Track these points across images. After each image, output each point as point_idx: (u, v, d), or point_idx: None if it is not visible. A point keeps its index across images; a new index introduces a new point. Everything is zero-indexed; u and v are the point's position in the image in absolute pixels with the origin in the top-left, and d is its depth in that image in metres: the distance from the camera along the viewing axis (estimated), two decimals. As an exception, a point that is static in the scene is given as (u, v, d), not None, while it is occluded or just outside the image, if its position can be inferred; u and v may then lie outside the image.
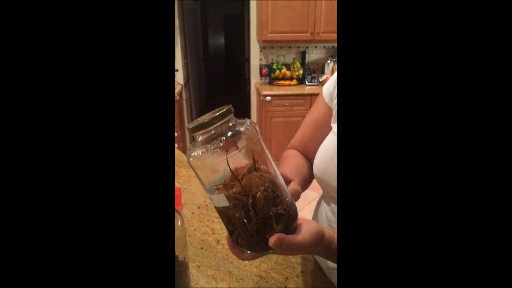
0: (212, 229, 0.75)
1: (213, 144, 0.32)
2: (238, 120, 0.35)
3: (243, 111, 3.37)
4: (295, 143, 0.64)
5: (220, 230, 0.74)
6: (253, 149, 0.34)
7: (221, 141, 0.32)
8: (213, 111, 0.35)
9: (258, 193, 0.33)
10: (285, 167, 0.58)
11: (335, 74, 0.59)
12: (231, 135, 0.33)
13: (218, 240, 0.71)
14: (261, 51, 2.96)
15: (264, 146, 0.36)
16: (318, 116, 0.61)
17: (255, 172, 0.34)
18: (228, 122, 0.33)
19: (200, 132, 0.33)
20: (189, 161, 0.34)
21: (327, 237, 0.37)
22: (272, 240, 0.33)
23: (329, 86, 0.59)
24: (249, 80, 3.21)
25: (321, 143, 0.57)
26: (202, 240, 0.71)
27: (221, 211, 0.36)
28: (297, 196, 0.41)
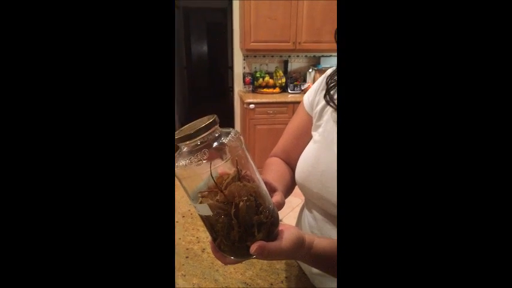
0: (197, 238, 0.75)
1: (198, 156, 0.33)
2: (223, 130, 0.36)
3: (227, 119, 3.38)
4: (277, 150, 0.66)
5: (205, 238, 0.75)
6: (237, 159, 0.36)
7: (206, 153, 0.33)
8: (199, 120, 0.36)
9: (241, 203, 0.34)
10: (268, 175, 0.59)
11: (316, 83, 0.61)
12: (215, 147, 0.34)
13: (203, 249, 0.71)
14: (244, 59, 2.99)
15: (247, 155, 0.37)
16: (299, 125, 0.63)
17: (238, 182, 0.36)
18: (213, 133, 0.34)
19: (185, 143, 0.34)
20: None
21: (307, 243, 0.39)
22: (253, 248, 0.34)
23: (309, 95, 0.61)
24: (232, 87, 3.23)
25: (303, 150, 0.59)
26: (187, 249, 0.71)
27: (205, 219, 0.37)
28: (280, 207, 0.42)
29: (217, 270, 0.64)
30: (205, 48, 6.05)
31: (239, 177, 0.36)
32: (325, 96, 0.55)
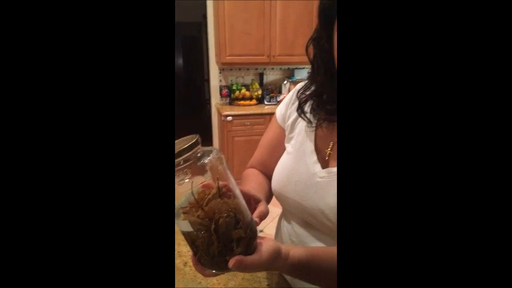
0: (178, 252, 0.76)
1: (180, 176, 0.35)
2: (205, 149, 0.38)
3: (205, 131, 3.38)
4: (254, 162, 0.69)
5: (187, 252, 0.76)
6: (218, 177, 0.38)
7: (187, 173, 0.35)
8: (181, 140, 0.37)
9: (221, 219, 0.36)
10: (248, 185, 0.61)
11: (286, 97, 0.65)
12: (197, 167, 0.36)
13: (185, 263, 0.72)
14: (220, 72, 3.03)
15: (228, 173, 0.39)
16: (273, 137, 0.66)
17: (219, 198, 0.38)
18: (195, 153, 0.36)
19: None
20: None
21: (284, 254, 0.41)
22: (231, 262, 0.36)
23: (281, 109, 0.65)
24: (209, 100, 3.25)
25: (277, 161, 0.62)
26: (169, 263, 0.72)
27: (186, 234, 0.39)
28: (265, 216, 0.44)
29: (199, 282, 0.65)
30: (180, 61, 6.05)
31: (219, 194, 0.38)
32: (297, 110, 0.58)
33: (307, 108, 0.57)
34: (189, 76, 6.02)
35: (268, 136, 0.67)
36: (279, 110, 0.65)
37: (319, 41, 0.50)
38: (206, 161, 0.37)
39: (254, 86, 2.99)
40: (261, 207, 0.44)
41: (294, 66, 3.07)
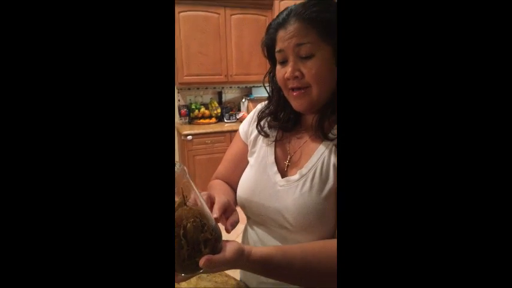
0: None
1: None
2: None
3: (164, 152, 3.30)
4: (218, 174, 0.74)
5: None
6: (183, 187, 0.42)
7: None
8: None
9: (188, 224, 0.40)
10: (213, 192, 0.65)
11: (249, 116, 0.72)
12: None
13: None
14: (178, 92, 3.03)
15: (191, 183, 0.43)
16: (237, 152, 0.72)
17: (185, 206, 0.41)
18: None
19: None
20: None
21: (246, 252, 0.45)
22: (202, 261, 0.39)
23: (244, 126, 0.72)
24: (168, 120, 3.21)
25: (241, 174, 0.67)
26: None
27: None
28: (237, 224, 0.49)
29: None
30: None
31: (185, 202, 0.42)
32: (257, 126, 0.66)
33: (265, 124, 0.65)
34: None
35: (232, 151, 0.72)
36: (242, 127, 0.72)
37: (270, 73, 0.64)
38: None
39: (213, 105, 3.03)
40: (233, 217, 0.49)
41: (252, 85, 3.18)
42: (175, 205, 0.41)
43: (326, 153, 0.56)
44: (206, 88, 3.10)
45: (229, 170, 0.72)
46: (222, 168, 0.73)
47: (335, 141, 0.55)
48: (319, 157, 0.57)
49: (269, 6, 2.80)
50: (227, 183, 0.72)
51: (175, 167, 0.41)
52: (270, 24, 0.58)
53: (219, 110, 3.03)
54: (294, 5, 0.55)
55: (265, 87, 0.65)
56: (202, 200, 0.44)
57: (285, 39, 0.54)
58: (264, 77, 0.65)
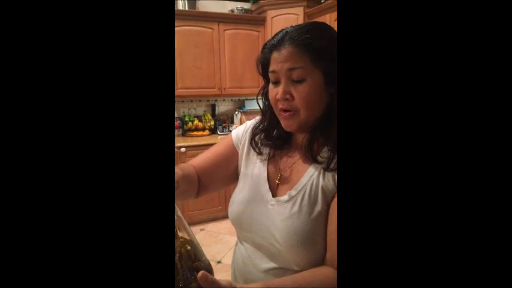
0: None
1: None
2: None
3: (157, 163, 3.30)
4: (194, 162, 0.70)
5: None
6: (176, 221, 0.44)
7: None
8: None
9: (183, 250, 0.42)
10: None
11: (243, 125, 0.72)
12: None
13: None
14: (172, 104, 3.06)
15: (181, 216, 0.46)
16: (223, 150, 0.71)
17: (178, 238, 0.45)
18: None
19: None
20: None
21: (239, 286, 0.47)
22: (199, 275, 0.40)
23: (238, 131, 0.72)
24: (161, 132, 3.22)
25: (217, 177, 0.69)
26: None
27: None
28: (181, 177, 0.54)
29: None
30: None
31: (176, 235, 0.45)
32: (251, 143, 0.67)
33: (258, 141, 0.67)
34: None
35: (219, 148, 0.72)
36: (236, 131, 0.72)
37: (264, 90, 0.65)
38: None
39: (206, 117, 3.06)
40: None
41: (244, 97, 3.23)
42: None
43: (315, 175, 0.58)
44: (200, 101, 3.14)
45: (208, 163, 0.69)
46: (202, 157, 0.70)
47: (324, 165, 0.57)
48: (309, 179, 0.59)
49: (262, 22, 2.88)
50: (198, 173, 0.68)
51: None
52: (265, 44, 0.59)
53: (212, 123, 3.06)
54: (290, 27, 0.58)
55: (257, 102, 0.66)
56: (190, 231, 0.47)
57: (278, 61, 0.56)
58: (258, 93, 0.66)
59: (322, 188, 0.57)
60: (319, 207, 0.56)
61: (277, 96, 0.57)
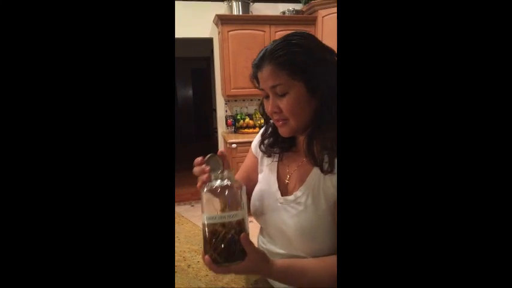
0: (184, 257, 0.92)
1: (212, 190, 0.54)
2: (228, 173, 0.55)
3: (212, 158, 3.56)
4: (238, 176, 0.85)
5: (190, 258, 0.92)
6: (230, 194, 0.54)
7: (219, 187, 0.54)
8: (212, 157, 0.56)
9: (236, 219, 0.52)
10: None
11: (261, 130, 0.82)
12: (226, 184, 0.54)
13: (189, 265, 0.88)
14: (225, 103, 3.28)
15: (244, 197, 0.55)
16: (249, 164, 0.84)
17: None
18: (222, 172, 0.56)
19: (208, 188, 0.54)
20: (202, 193, 0.54)
21: (271, 260, 0.57)
22: (242, 235, 0.50)
23: (255, 141, 0.81)
24: (216, 128, 3.48)
25: (252, 183, 0.80)
26: (176, 266, 0.87)
27: (211, 231, 0.52)
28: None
29: (200, 279, 0.81)
30: (190, 92, 6.42)
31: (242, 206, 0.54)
32: (260, 147, 0.77)
33: (267, 145, 0.75)
34: (198, 106, 6.36)
35: (246, 163, 0.86)
36: (254, 143, 0.83)
37: (261, 102, 0.71)
38: (229, 183, 0.55)
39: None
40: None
41: (294, 96, 3.28)
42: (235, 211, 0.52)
43: (317, 178, 0.65)
44: (251, 100, 3.30)
45: (244, 179, 0.82)
46: (238, 176, 0.84)
47: (323, 168, 0.62)
48: (312, 181, 0.65)
49: (312, 22, 2.92)
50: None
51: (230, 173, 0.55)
52: (252, 63, 0.64)
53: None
54: (270, 44, 0.62)
55: (260, 112, 0.74)
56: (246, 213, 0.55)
57: (262, 80, 0.62)
58: (259, 105, 0.73)
59: (323, 190, 0.63)
60: (322, 206, 0.63)
61: (268, 110, 0.64)
